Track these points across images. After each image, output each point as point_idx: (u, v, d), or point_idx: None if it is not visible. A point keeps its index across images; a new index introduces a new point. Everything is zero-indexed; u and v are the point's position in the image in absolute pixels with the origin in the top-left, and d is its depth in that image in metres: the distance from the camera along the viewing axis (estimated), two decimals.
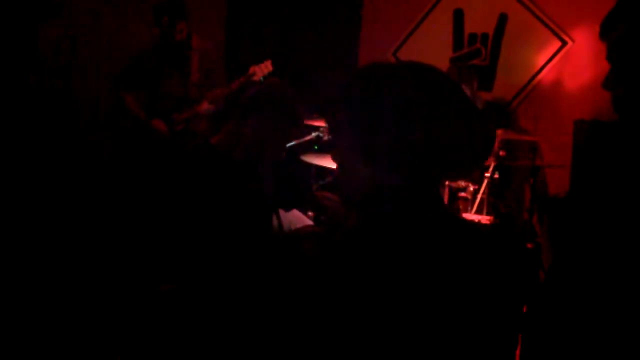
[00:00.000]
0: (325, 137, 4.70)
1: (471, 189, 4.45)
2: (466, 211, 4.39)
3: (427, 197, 1.39)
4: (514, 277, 1.36)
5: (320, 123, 4.68)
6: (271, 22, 6.15)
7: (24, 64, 4.84)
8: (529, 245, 3.88)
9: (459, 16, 5.54)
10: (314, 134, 4.71)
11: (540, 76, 5.25)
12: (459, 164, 1.39)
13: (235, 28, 6.32)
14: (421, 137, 1.31)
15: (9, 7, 4.74)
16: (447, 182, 4.48)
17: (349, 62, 5.83)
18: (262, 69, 4.73)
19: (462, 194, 4.48)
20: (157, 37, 4.84)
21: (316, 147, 4.74)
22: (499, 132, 4.46)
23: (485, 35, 5.43)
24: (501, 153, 4.46)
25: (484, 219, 4.23)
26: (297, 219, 3.90)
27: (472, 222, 4.04)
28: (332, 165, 4.32)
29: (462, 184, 4.49)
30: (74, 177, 4.96)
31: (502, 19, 5.34)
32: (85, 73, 5.43)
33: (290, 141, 4.33)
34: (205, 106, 4.81)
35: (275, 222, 3.47)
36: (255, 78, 4.72)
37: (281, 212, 3.88)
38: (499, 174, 4.48)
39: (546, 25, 5.17)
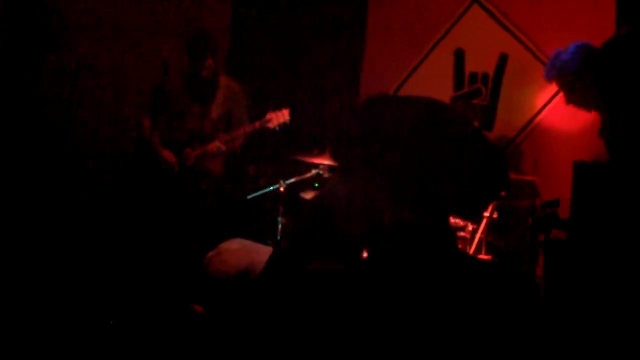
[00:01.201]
0: (326, 175, 4.71)
1: (470, 228, 4.45)
2: (464, 250, 4.38)
3: (438, 233, 1.41)
4: (522, 315, 1.35)
5: (320, 160, 4.69)
6: (272, 59, 6.21)
7: (26, 94, 4.89)
8: None
9: (459, 56, 5.59)
10: (314, 172, 4.73)
11: (540, 116, 5.28)
12: (469, 199, 1.38)
13: (237, 59, 6.37)
14: (442, 171, 1.34)
15: (12, 40, 4.80)
16: None
17: (350, 101, 5.87)
18: (279, 117, 4.79)
19: (461, 234, 4.47)
20: (185, 69, 4.93)
21: (316, 185, 4.75)
22: None
23: (485, 75, 5.46)
24: (501, 193, 4.46)
25: (483, 258, 4.22)
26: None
27: (480, 259, 4.04)
28: None
29: (461, 223, 4.48)
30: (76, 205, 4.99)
31: (503, 59, 5.38)
32: (86, 104, 5.47)
33: None
34: (215, 145, 4.85)
35: None
36: (270, 125, 4.79)
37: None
38: (498, 214, 4.47)
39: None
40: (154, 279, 4.22)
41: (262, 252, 4.05)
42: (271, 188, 4.70)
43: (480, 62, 5.51)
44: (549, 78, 3.64)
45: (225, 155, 5.02)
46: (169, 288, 4.11)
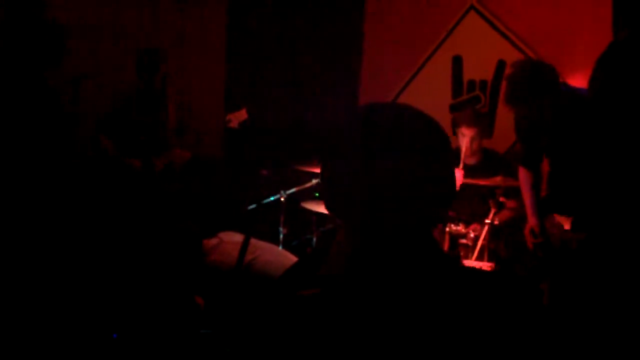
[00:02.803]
0: None
1: (472, 235, 4.45)
2: (467, 258, 4.38)
3: (431, 240, 1.41)
4: (512, 324, 1.35)
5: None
6: (270, 70, 6.25)
7: (28, 105, 4.91)
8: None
9: (457, 63, 5.61)
10: (314, 181, 4.74)
11: None
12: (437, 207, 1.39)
13: (235, 66, 6.41)
14: (431, 179, 1.35)
15: (14, 56, 4.81)
16: (447, 229, 4.48)
17: (349, 112, 5.88)
18: (238, 117, 5.14)
19: (463, 241, 4.48)
20: (136, 83, 5.08)
21: (317, 195, 4.76)
22: (499, 179, 4.46)
23: (483, 82, 5.48)
24: (501, 199, 4.46)
25: (485, 265, 4.22)
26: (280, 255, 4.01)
27: (470, 268, 4.04)
28: None
29: (463, 230, 4.49)
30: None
31: (501, 66, 5.39)
32: (87, 113, 5.49)
33: None
34: (178, 153, 5.10)
35: None
36: (232, 125, 5.13)
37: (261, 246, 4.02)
38: (500, 220, 4.48)
39: None
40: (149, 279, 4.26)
41: (265, 250, 4.11)
42: (272, 198, 4.71)
43: (478, 69, 5.53)
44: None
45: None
46: (168, 285, 4.14)
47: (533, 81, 3.64)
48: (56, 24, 4.99)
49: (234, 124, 5.12)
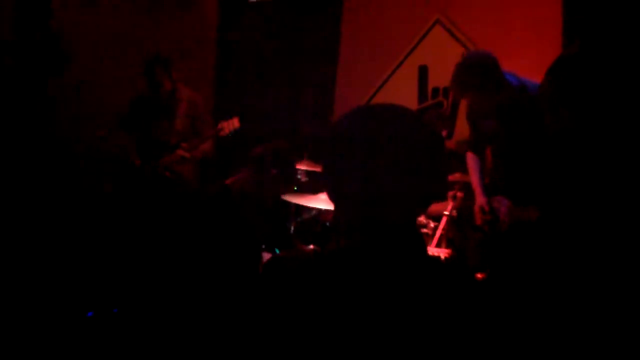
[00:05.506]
0: (303, 179, 5.16)
1: (432, 225, 4.92)
2: (427, 245, 4.82)
3: (408, 234, 1.48)
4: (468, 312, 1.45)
5: (299, 166, 5.14)
6: (254, 77, 6.72)
7: (33, 113, 5.16)
8: (480, 276, 4.30)
9: (423, 72, 6.06)
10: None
11: None
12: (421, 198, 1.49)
13: (223, 80, 6.87)
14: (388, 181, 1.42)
15: (22, 61, 5.07)
16: None
17: (324, 115, 6.39)
18: (230, 125, 5.24)
19: (424, 230, 4.94)
20: (146, 88, 5.33)
21: (295, 188, 5.18)
22: (458, 175, 4.94)
23: (447, 89, 5.91)
24: (459, 194, 4.94)
25: (443, 252, 4.67)
26: None
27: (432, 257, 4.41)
28: (310, 203, 4.71)
29: (424, 220, 4.95)
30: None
31: None
32: (86, 123, 5.81)
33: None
34: (178, 155, 5.27)
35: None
36: (222, 133, 5.24)
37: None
38: (457, 213, 4.94)
39: None
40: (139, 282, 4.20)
41: None
42: None
43: (442, 77, 5.88)
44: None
45: (193, 161, 5.46)
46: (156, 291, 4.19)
47: (479, 71, 3.99)
48: (60, 35, 5.30)
49: (225, 132, 5.22)
